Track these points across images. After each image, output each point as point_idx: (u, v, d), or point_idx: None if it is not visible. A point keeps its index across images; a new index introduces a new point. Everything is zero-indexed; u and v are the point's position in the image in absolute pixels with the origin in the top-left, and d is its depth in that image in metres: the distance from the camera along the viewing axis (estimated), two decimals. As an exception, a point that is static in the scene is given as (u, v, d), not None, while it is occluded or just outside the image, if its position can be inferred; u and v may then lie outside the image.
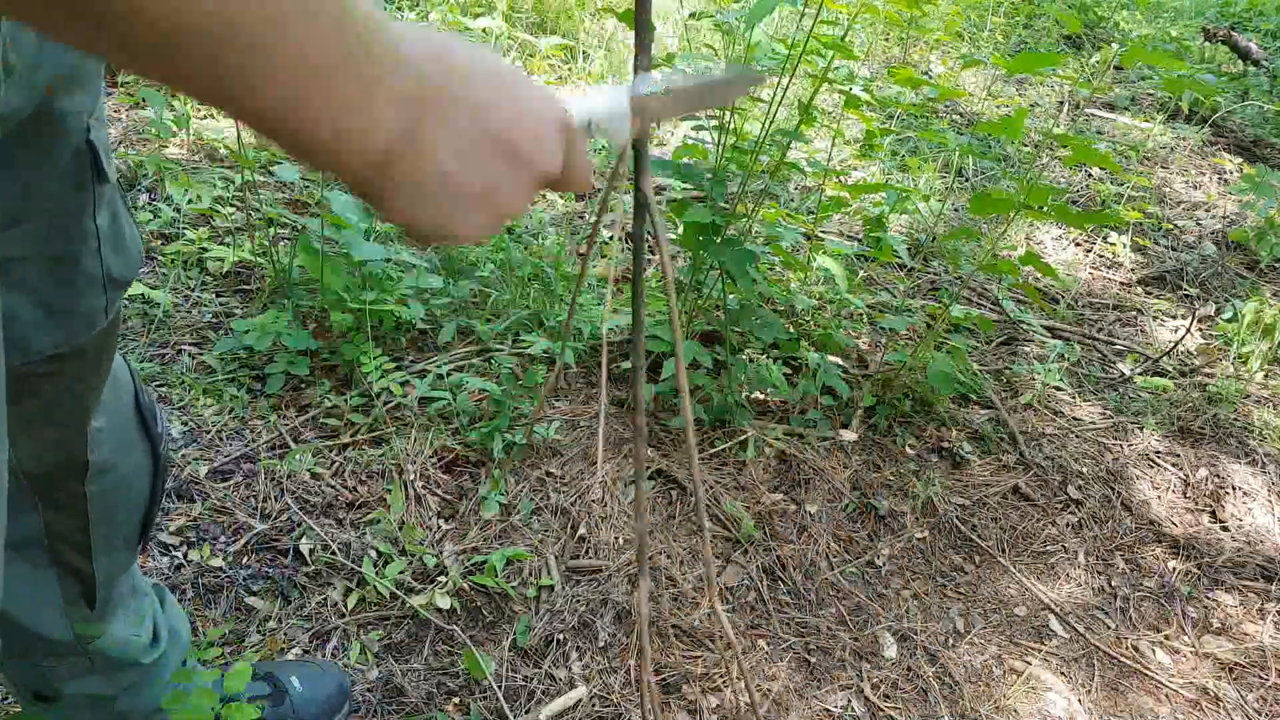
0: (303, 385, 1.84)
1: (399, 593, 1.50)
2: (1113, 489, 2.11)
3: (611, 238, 2.60)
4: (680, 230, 1.90)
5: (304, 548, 1.53)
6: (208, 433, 1.69)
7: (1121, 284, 3.03)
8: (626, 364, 2.08)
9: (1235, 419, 2.37)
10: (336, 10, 0.38)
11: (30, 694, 1.01)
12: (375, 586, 1.49)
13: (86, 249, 0.71)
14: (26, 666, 0.98)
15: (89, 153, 0.68)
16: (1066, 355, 2.55)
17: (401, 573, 1.52)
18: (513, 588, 1.54)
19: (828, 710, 1.50)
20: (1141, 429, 2.30)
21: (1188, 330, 2.70)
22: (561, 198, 2.73)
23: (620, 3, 3.62)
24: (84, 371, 0.77)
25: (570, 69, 3.45)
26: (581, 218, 2.68)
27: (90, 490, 0.85)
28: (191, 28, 0.33)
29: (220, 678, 1.10)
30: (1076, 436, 2.25)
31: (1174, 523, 2.06)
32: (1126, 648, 1.74)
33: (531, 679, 1.43)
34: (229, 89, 0.36)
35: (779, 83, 1.86)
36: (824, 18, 1.81)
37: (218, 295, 1.99)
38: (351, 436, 1.75)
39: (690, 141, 1.98)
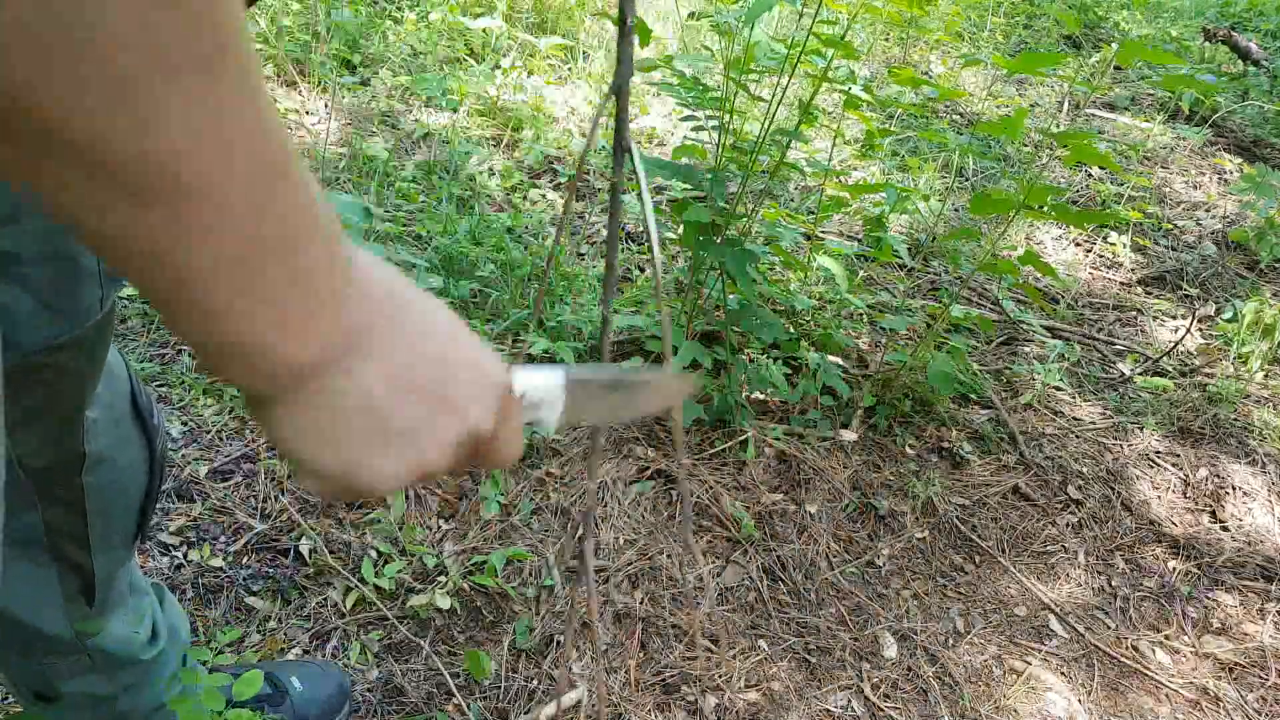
0: (303, 385, 1.84)
1: (399, 592, 1.50)
2: (1113, 489, 2.11)
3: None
4: (680, 230, 1.90)
5: (304, 548, 1.53)
6: (208, 433, 1.69)
7: (1121, 284, 3.03)
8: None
9: (1235, 419, 2.37)
10: (308, 223, 0.36)
11: (31, 693, 1.01)
12: (375, 586, 1.49)
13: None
14: (27, 665, 0.98)
15: None
16: (1066, 355, 2.55)
17: (401, 572, 1.53)
18: (513, 588, 1.54)
19: (828, 710, 1.50)
20: (1141, 429, 2.30)
21: (1188, 330, 2.70)
22: (562, 198, 2.73)
23: (616, 9, 3.62)
24: (80, 362, 0.77)
25: (570, 69, 3.45)
26: (582, 218, 2.68)
27: (88, 482, 0.85)
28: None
29: (229, 684, 1.10)
30: (1076, 436, 2.25)
31: (1174, 523, 2.05)
32: (1126, 648, 1.74)
33: (531, 679, 1.43)
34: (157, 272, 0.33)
35: (779, 82, 1.86)
36: (824, 17, 1.81)
37: (218, 295, 1.99)
38: (351, 436, 1.75)
39: (690, 141, 1.98)
